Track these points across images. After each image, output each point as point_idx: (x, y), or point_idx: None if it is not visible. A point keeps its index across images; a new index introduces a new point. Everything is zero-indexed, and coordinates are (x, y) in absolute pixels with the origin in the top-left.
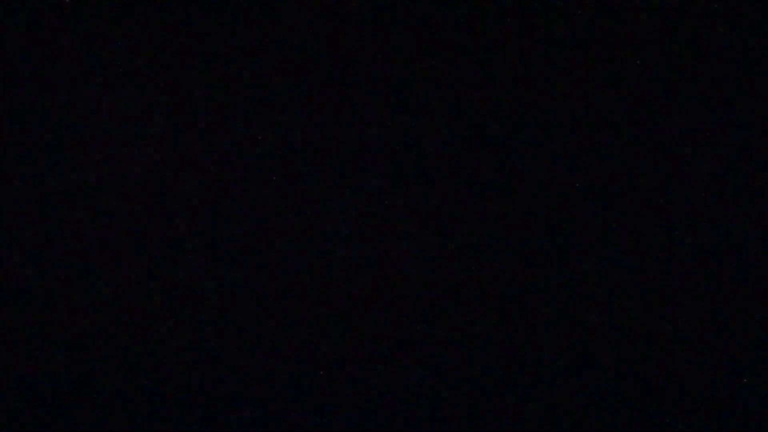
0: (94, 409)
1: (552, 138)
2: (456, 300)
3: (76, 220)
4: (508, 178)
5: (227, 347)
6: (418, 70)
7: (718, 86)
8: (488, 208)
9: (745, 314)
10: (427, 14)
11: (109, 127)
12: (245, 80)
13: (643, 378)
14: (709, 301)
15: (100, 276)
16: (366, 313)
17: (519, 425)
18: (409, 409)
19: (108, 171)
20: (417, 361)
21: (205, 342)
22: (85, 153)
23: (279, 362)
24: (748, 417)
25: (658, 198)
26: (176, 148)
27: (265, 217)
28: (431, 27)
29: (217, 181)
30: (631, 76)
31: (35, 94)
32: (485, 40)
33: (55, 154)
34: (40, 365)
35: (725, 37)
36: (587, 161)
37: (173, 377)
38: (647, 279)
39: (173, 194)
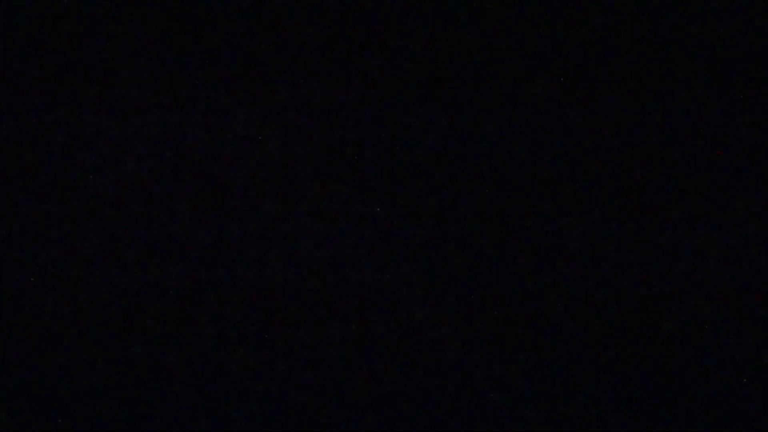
0: (93, 409)
1: (551, 138)
2: (456, 300)
3: (76, 219)
4: (508, 177)
5: (227, 347)
6: (418, 70)
7: (718, 86)
8: (488, 208)
9: (745, 314)
10: (427, 14)
11: (108, 126)
12: (245, 80)
13: (643, 378)
14: (709, 301)
15: (99, 276)
16: (366, 313)
17: (519, 425)
18: (409, 409)
19: (108, 171)
20: (417, 361)
21: (205, 342)
22: (85, 153)
23: (279, 362)
24: (749, 417)
25: (658, 198)
26: (176, 148)
27: (264, 217)
28: (431, 27)
29: (217, 181)
30: (630, 76)
31: (35, 94)
32: (485, 40)
33: (55, 154)
34: (40, 365)
35: (725, 38)
36: (586, 161)
37: (173, 377)
38: (647, 279)
39: (173, 194)
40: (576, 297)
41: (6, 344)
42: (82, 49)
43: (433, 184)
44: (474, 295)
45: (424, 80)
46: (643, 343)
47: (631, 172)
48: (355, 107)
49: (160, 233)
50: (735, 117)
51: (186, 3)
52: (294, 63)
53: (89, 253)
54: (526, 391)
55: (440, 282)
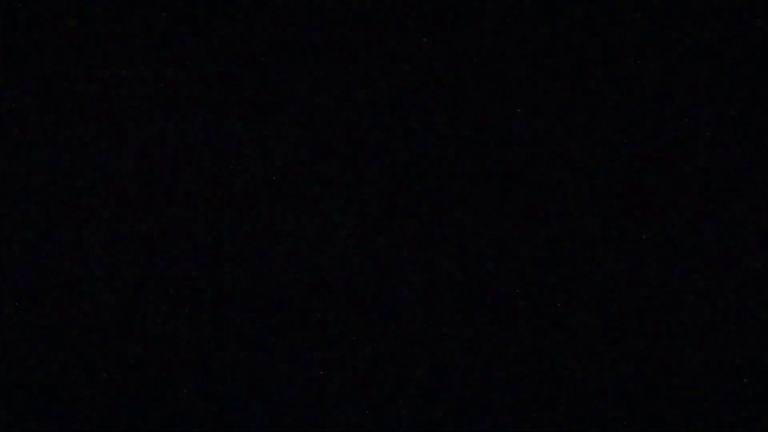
0: (93, 409)
1: (551, 138)
2: (456, 300)
3: (76, 219)
4: (508, 177)
5: (227, 347)
6: (417, 70)
7: (718, 86)
8: (489, 209)
9: (745, 314)
10: (428, 14)
11: (108, 127)
12: (245, 80)
13: (643, 378)
14: (709, 301)
15: (99, 276)
16: (366, 313)
17: (519, 425)
18: (409, 409)
19: (107, 171)
20: (417, 361)
21: (205, 342)
22: (84, 153)
23: (279, 362)
24: (748, 417)
25: (658, 198)
26: (176, 148)
27: (265, 218)
28: (432, 27)
29: (217, 181)
30: (630, 76)
31: (35, 94)
32: (485, 41)
33: (54, 154)
34: (40, 365)
35: (724, 38)
36: (586, 161)
37: (173, 377)
38: (647, 279)
39: (173, 194)
40: (576, 297)
41: (6, 344)
42: (81, 50)
43: (433, 184)
44: (474, 295)
45: (424, 80)
46: (643, 343)
47: (631, 173)
48: (355, 107)
49: (160, 233)
50: (735, 117)
51: (186, 3)
52: (294, 63)
53: (89, 253)
54: (526, 391)
55: (440, 282)
